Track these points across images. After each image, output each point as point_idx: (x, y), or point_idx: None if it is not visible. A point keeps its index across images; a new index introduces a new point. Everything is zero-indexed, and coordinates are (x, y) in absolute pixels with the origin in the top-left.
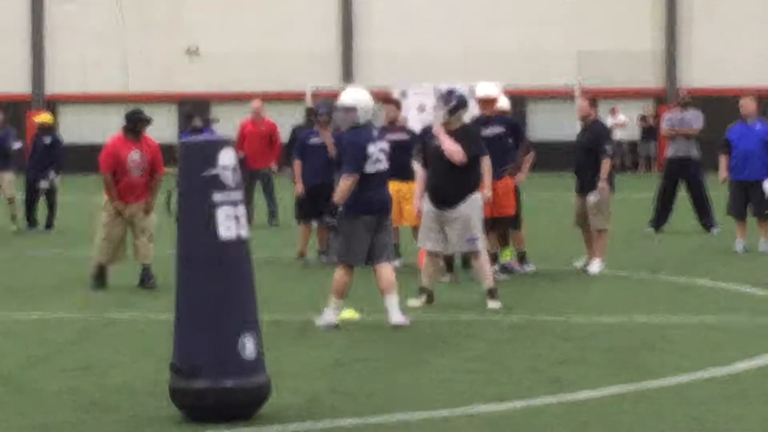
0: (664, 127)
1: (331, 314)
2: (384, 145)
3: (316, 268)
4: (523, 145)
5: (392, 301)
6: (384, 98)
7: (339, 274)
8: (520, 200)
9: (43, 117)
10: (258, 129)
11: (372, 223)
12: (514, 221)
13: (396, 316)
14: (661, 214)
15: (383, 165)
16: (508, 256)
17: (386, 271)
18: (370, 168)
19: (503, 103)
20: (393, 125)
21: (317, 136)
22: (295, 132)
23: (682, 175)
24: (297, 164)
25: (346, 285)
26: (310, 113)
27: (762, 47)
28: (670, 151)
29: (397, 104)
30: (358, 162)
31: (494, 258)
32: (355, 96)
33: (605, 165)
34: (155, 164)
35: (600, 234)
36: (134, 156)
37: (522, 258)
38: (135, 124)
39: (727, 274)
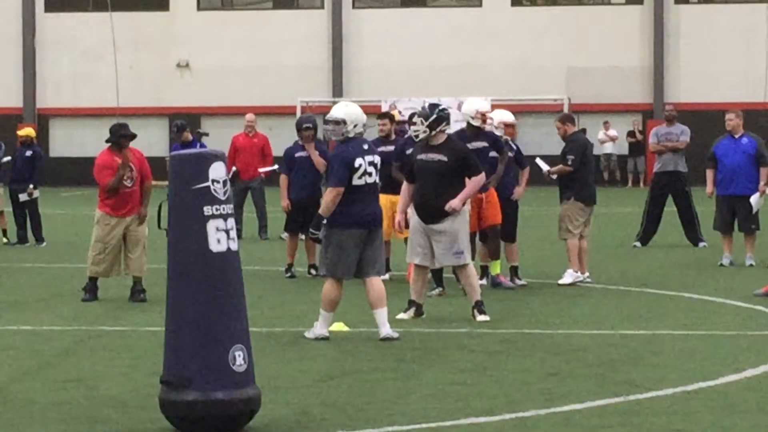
0: (651, 142)
1: (320, 327)
2: (375, 158)
3: (305, 280)
4: (503, 158)
5: (381, 315)
6: (379, 112)
7: (327, 287)
8: (517, 214)
9: (26, 130)
10: (251, 142)
11: (360, 237)
12: (510, 234)
13: (385, 330)
14: (649, 229)
15: (372, 178)
16: (497, 270)
17: (376, 284)
18: (357, 181)
19: (508, 118)
20: (387, 138)
21: (302, 150)
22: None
23: (669, 189)
24: (283, 179)
25: (334, 298)
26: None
27: (748, 62)
28: (657, 166)
29: (391, 118)
30: (343, 175)
31: (484, 271)
32: (345, 110)
33: (561, 169)
34: (144, 173)
35: (566, 244)
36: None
37: (515, 272)
38: (118, 139)
39: (714, 287)
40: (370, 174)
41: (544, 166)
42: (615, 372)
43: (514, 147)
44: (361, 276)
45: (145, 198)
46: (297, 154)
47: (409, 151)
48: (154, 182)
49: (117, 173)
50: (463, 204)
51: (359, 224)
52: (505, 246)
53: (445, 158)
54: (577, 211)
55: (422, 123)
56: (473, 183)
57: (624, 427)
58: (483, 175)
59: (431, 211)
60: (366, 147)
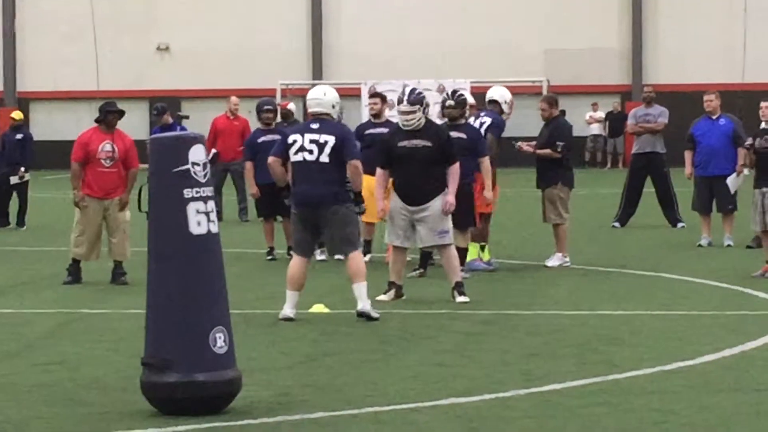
0: (629, 123)
1: (285, 307)
2: (322, 137)
3: (285, 262)
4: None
5: (359, 289)
6: (370, 93)
7: (291, 261)
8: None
9: (15, 113)
10: (231, 125)
11: (305, 216)
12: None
13: (361, 303)
14: (627, 210)
15: (312, 156)
16: (474, 254)
17: (353, 259)
18: (294, 157)
19: (499, 95)
20: (377, 118)
21: (264, 135)
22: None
23: (647, 170)
24: (249, 166)
25: (292, 275)
26: (285, 110)
27: (726, 44)
28: (635, 147)
29: (382, 98)
30: (279, 147)
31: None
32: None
33: (549, 154)
34: (129, 159)
35: (557, 228)
36: (105, 147)
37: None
38: (105, 116)
39: (693, 268)
40: (310, 151)
41: (528, 149)
42: (594, 352)
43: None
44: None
45: (129, 184)
46: (260, 139)
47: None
48: None
49: (74, 185)
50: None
51: (298, 204)
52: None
53: (429, 143)
54: (567, 194)
55: (420, 111)
56: (455, 173)
57: (603, 406)
58: (457, 164)
59: (417, 195)
60: (315, 126)
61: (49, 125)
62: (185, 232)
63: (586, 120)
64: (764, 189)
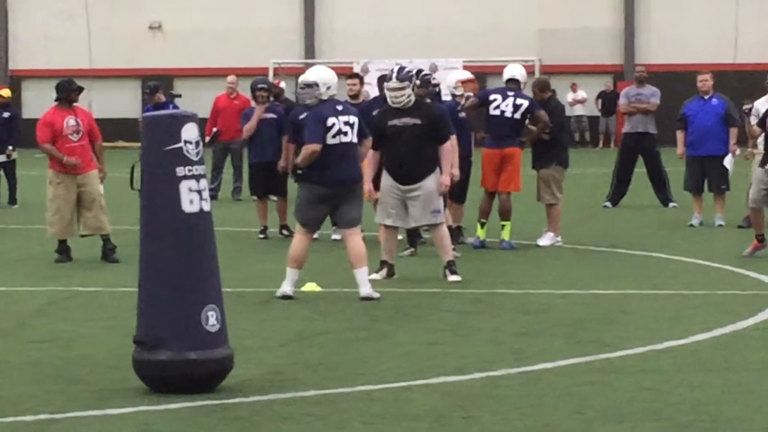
0: (621, 103)
1: (284, 284)
2: (350, 118)
3: (278, 241)
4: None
5: (361, 274)
6: (348, 73)
7: (293, 241)
8: (469, 175)
9: (3, 91)
10: (232, 103)
11: (329, 195)
12: (460, 195)
13: (365, 289)
14: (618, 189)
15: (348, 137)
16: (507, 234)
17: (355, 243)
18: (331, 140)
19: (462, 75)
20: (355, 99)
21: (264, 113)
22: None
23: (638, 150)
24: (289, 146)
25: (297, 253)
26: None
27: (718, 24)
28: (626, 127)
29: (360, 80)
30: (319, 132)
31: (458, 232)
32: (317, 73)
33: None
34: (93, 132)
35: (550, 208)
36: (70, 122)
37: (459, 232)
38: (68, 94)
39: (684, 248)
40: (345, 133)
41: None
42: (585, 331)
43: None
44: (336, 226)
45: (100, 156)
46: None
47: (375, 111)
48: (126, 144)
49: (56, 157)
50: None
51: (327, 184)
52: (451, 206)
53: (419, 121)
54: (561, 175)
55: (409, 87)
56: (447, 151)
57: (594, 385)
58: (453, 139)
59: (408, 174)
60: (340, 108)
61: (41, 103)
62: (177, 210)
63: (569, 102)
64: None
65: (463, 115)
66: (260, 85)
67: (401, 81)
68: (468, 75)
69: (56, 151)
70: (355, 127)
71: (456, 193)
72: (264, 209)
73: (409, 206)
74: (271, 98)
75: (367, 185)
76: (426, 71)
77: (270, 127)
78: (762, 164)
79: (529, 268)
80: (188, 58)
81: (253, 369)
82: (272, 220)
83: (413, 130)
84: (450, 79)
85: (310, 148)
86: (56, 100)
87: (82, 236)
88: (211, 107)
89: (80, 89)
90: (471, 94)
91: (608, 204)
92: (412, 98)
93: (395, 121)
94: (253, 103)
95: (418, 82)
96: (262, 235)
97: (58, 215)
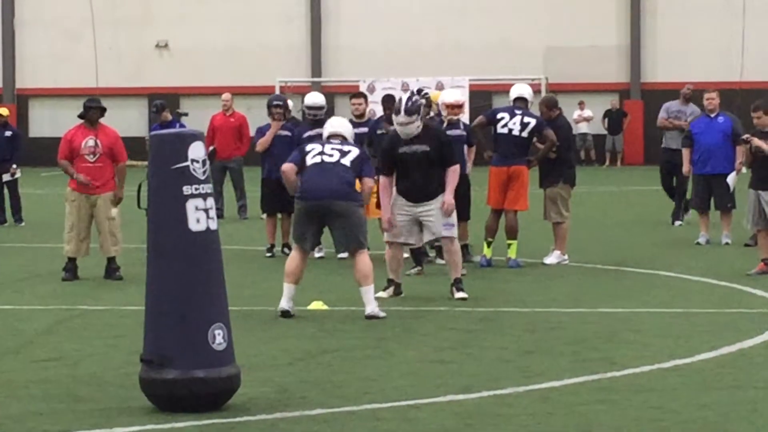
0: (661, 116)
1: (282, 301)
2: (340, 146)
3: (284, 259)
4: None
5: (367, 293)
6: (352, 93)
7: (290, 255)
8: (470, 192)
9: (2, 110)
10: (228, 122)
11: (311, 209)
12: (462, 213)
13: (370, 308)
14: (677, 204)
15: (332, 159)
16: (514, 252)
17: (360, 262)
18: (310, 160)
19: (448, 98)
20: (361, 118)
21: (311, 129)
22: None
23: (671, 165)
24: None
25: (290, 268)
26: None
27: (724, 42)
28: (663, 142)
29: (365, 98)
30: (297, 156)
31: (464, 250)
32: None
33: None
34: (115, 153)
35: (557, 227)
36: (89, 142)
37: (466, 249)
38: (87, 112)
39: (691, 266)
40: (330, 155)
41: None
42: (592, 349)
43: (462, 126)
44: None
45: (119, 179)
46: (305, 134)
47: (380, 131)
48: (133, 162)
49: (69, 173)
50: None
51: (306, 197)
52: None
53: (427, 147)
54: (568, 193)
55: (418, 119)
56: (454, 175)
57: (601, 404)
58: (458, 165)
59: (419, 195)
60: (337, 141)
61: (47, 122)
62: (184, 229)
63: (574, 119)
64: (759, 191)
65: (451, 133)
66: (276, 102)
67: (410, 115)
68: (453, 99)
69: (69, 167)
70: (349, 155)
71: (458, 212)
72: (272, 227)
73: (424, 222)
74: (286, 115)
75: (386, 215)
76: (426, 89)
77: (283, 144)
78: (751, 186)
79: (536, 286)
80: (195, 77)
81: (260, 387)
82: (279, 239)
83: (422, 156)
84: (441, 97)
85: (282, 168)
86: (79, 116)
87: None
88: (208, 125)
89: (101, 109)
90: (452, 118)
91: (678, 222)
92: (420, 127)
93: (405, 148)
94: (269, 120)
95: (423, 101)
96: (269, 254)
97: (72, 233)
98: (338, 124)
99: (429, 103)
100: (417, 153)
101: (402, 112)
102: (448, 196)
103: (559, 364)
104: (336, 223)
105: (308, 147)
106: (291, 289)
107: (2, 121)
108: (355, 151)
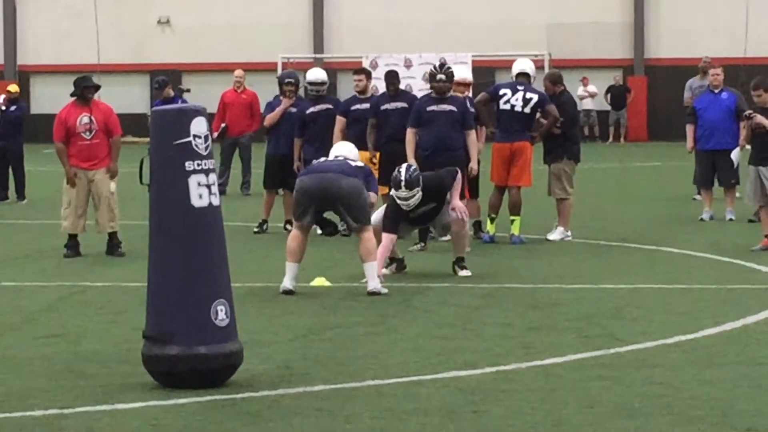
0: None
1: (284, 279)
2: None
3: (284, 236)
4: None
5: (370, 268)
6: (355, 68)
7: (290, 233)
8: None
9: (11, 86)
10: (239, 98)
11: (306, 188)
12: (471, 190)
13: (372, 283)
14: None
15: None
16: (517, 229)
17: (365, 239)
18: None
19: (529, 68)
20: (362, 94)
21: (314, 105)
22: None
23: None
24: (297, 142)
25: (290, 245)
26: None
27: (728, 17)
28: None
29: (367, 75)
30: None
31: (478, 226)
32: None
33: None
34: (109, 127)
35: (561, 203)
36: (83, 120)
37: (478, 227)
38: (82, 90)
39: (694, 242)
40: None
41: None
42: (595, 326)
43: (468, 103)
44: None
45: (114, 152)
46: (309, 110)
47: (383, 107)
48: (134, 139)
49: (62, 163)
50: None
51: (306, 173)
52: (467, 202)
53: (434, 204)
54: (572, 169)
55: (419, 191)
56: (457, 183)
57: (604, 380)
58: (456, 171)
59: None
60: (341, 159)
61: (49, 99)
62: (187, 204)
63: (578, 95)
64: (760, 167)
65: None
66: (288, 79)
67: (410, 189)
68: (466, 77)
69: (64, 155)
70: (356, 163)
71: (468, 189)
72: (270, 203)
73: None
74: (298, 93)
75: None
76: (448, 63)
77: (290, 120)
78: (750, 162)
79: (539, 262)
80: (197, 53)
81: (263, 364)
82: (276, 216)
83: (430, 212)
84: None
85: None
86: (71, 95)
87: (99, 233)
88: (219, 102)
89: (95, 86)
90: (459, 95)
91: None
92: (420, 195)
93: (417, 212)
94: (281, 97)
95: (442, 76)
96: (257, 229)
97: (69, 209)
98: (346, 149)
99: (452, 78)
100: (427, 211)
101: (402, 187)
102: (474, 164)
103: (563, 340)
104: (338, 201)
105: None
106: (293, 268)
107: (13, 97)
108: (359, 163)
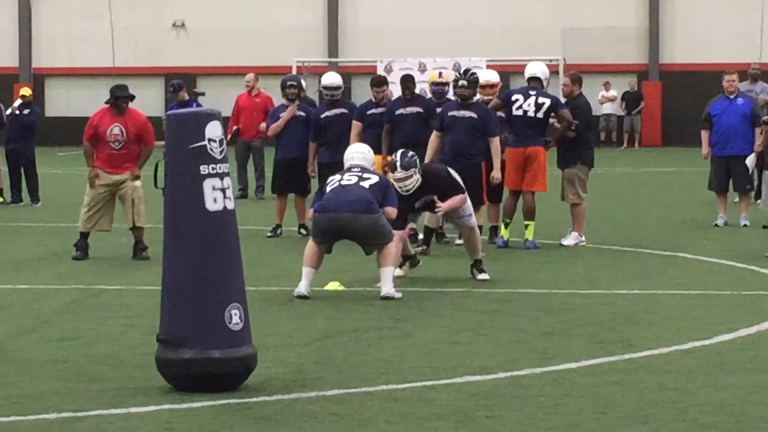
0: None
1: (300, 284)
2: (360, 174)
3: (300, 241)
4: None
5: (385, 274)
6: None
7: (309, 243)
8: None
9: (24, 90)
10: (253, 102)
11: (329, 223)
12: (495, 195)
13: (385, 288)
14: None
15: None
16: (531, 234)
17: (387, 246)
18: (329, 186)
19: (541, 72)
20: (378, 102)
21: (330, 109)
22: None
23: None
24: (312, 146)
25: (308, 252)
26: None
27: (743, 23)
28: None
29: (386, 84)
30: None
31: (493, 231)
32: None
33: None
34: (142, 137)
35: (575, 208)
36: (114, 130)
37: (494, 232)
38: (115, 100)
39: (709, 248)
40: (349, 180)
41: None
42: (609, 331)
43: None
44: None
45: (142, 159)
46: (282, 114)
47: (398, 112)
48: None
49: (87, 162)
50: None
51: (320, 211)
52: (489, 207)
53: (433, 197)
54: (586, 174)
55: (415, 173)
56: (459, 199)
57: (618, 385)
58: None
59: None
60: (357, 170)
61: (64, 102)
62: (201, 208)
63: (599, 100)
64: None
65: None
66: (290, 82)
67: (407, 170)
68: (490, 79)
69: (90, 157)
70: (368, 181)
71: (491, 194)
72: (282, 208)
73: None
74: (301, 95)
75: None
76: (473, 69)
77: (297, 124)
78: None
79: (554, 268)
80: (211, 57)
81: (276, 368)
82: (289, 220)
83: (428, 207)
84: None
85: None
86: (105, 102)
87: (131, 229)
88: (233, 106)
89: (129, 96)
90: (484, 98)
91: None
92: (419, 180)
93: (416, 203)
94: (284, 100)
95: (465, 82)
96: (271, 233)
97: (86, 208)
98: (359, 156)
99: (476, 84)
100: (427, 203)
101: (398, 168)
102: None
103: (576, 345)
104: (357, 236)
105: (328, 180)
106: (310, 273)
107: (27, 100)
108: (375, 178)
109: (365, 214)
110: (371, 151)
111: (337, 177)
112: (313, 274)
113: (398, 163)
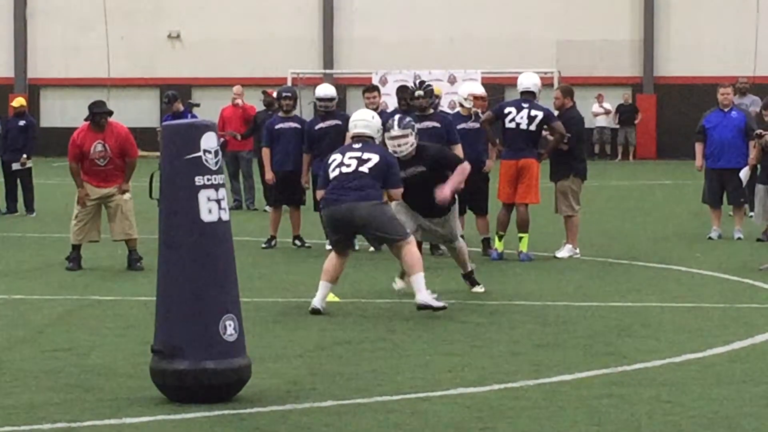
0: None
1: (315, 298)
2: (359, 154)
3: (294, 251)
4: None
5: (416, 282)
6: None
7: (329, 255)
8: (488, 186)
9: (19, 100)
10: (237, 112)
11: (334, 216)
12: (481, 207)
13: (420, 296)
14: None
15: (348, 169)
16: (525, 246)
17: (405, 253)
18: (331, 173)
19: (476, 90)
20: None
21: (283, 122)
22: (257, 118)
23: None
24: (265, 152)
25: (327, 266)
26: (269, 99)
27: (737, 36)
28: None
29: (378, 91)
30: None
31: (487, 243)
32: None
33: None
34: (124, 151)
35: (568, 220)
36: (97, 147)
37: (487, 244)
38: (93, 116)
39: (703, 261)
40: (348, 165)
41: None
42: (603, 343)
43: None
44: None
45: (128, 172)
46: (277, 126)
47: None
48: (145, 153)
49: (75, 182)
50: (453, 193)
51: (324, 206)
52: (476, 219)
53: (424, 168)
54: (579, 187)
55: (412, 135)
56: (460, 170)
57: (612, 397)
58: (466, 163)
59: (428, 211)
60: (358, 146)
61: (59, 112)
62: (196, 219)
63: (592, 112)
64: None
65: (467, 126)
66: (285, 94)
67: (403, 129)
68: (481, 91)
69: (78, 176)
70: (368, 162)
71: (476, 206)
72: (277, 219)
73: (427, 227)
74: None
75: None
76: (428, 81)
77: (291, 136)
78: (760, 181)
79: (548, 280)
80: (207, 68)
81: (271, 379)
82: (283, 231)
83: (420, 177)
84: (463, 90)
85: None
86: (85, 119)
87: (115, 241)
88: (218, 118)
89: (107, 112)
90: (478, 110)
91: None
92: (414, 146)
93: (402, 173)
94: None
95: (421, 92)
96: (265, 245)
97: (75, 220)
98: (362, 124)
99: (431, 94)
100: (415, 175)
101: (395, 127)
102: (447, 192)
103: (570, 357)
104: (364, 228)
105: (330, 159)
106: (326, 288)
107: (20, 111)
108: (375, 159)
109: (363, 201)
110: (376, 116)
111: (338, 157)
112: (328, 289)
113: (395, 123)
